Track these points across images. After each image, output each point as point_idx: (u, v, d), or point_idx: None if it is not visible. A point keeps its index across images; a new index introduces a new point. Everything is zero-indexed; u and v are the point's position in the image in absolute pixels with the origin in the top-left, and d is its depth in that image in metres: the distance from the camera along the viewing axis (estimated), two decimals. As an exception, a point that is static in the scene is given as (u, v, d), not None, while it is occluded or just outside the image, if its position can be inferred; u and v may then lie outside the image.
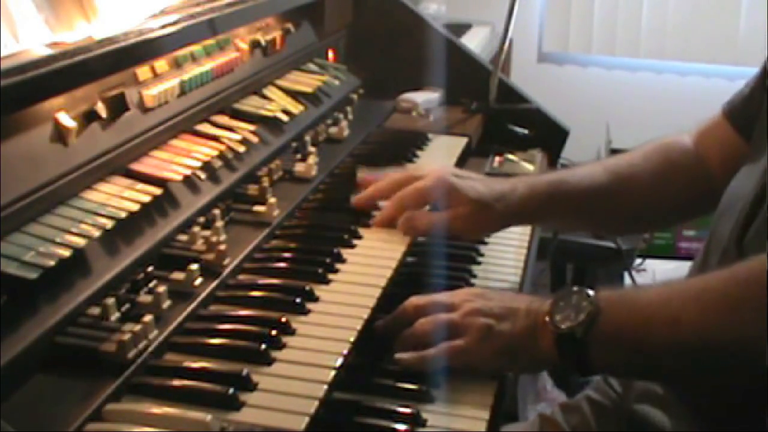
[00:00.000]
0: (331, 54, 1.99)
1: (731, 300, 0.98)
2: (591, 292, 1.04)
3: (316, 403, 0.91)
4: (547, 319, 1.04)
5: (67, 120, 1.08)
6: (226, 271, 1.14)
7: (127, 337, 0.93)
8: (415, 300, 1.13)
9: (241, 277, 1.16)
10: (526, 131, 1.96)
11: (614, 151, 3.25)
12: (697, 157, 1.39)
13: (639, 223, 1.51)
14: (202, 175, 1.28)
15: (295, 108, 1.63)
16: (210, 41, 1.45)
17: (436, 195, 1.31)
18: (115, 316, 0.98)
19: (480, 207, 1.29)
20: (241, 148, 1.39)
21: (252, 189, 1.36)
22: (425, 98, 1.98)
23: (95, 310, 0.98)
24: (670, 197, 1.40)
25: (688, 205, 1.42)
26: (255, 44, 1.60)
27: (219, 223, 1.22)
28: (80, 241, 0.99)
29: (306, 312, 1.09)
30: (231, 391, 0.90)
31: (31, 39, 1.07)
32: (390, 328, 1.12)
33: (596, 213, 1.40)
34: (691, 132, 1.43)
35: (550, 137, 1.95)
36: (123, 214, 1.08)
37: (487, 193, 1.30)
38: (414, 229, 1.31)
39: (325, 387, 0.94)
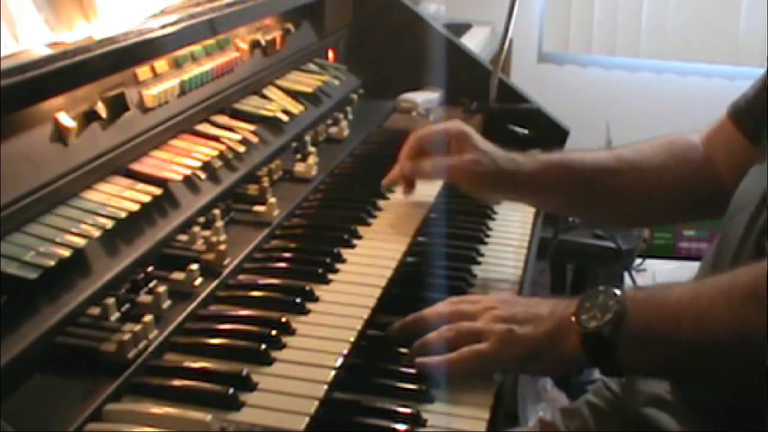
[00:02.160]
0: (331, 54, 1.99)
1: (759, 295, 0.96)
2: (618, 292, 1.03)
3: (316, 403, 0.91)
4: (573, 319, 1.03)
5: (67, 120, 1.08)
6: (226, 271, 1.14)
7: (127, 337, 0.93)
8: (440, 307, 1.12)
9: (241, 277, 1.16)
10: (526, 131, 1.96)
11: (614, 151, 3.24)
12: (706, 157, 1.38)
13: (641, 214, 1.47)
14: (202, 175, 1.28)
15: (295, 108, 1.63)
16: (210, 41, 1.45)
17: (452, 132, 1.37)
18: (115, 316, 0.98)
19: (488, 160, 1.33)
20: (241, 148, 1.39)
21: (252, 189, 1.36)
22: (425, 98, 1.98)
23: (95, 310, 0.98)
24: (676, 191, 1.38)
25: (693, 202, 1.40)
26: (255, 44, 1.60)
27: (219, 223, 1.22)
28: (80, 241, 0.99)
29: (306, 312, 1.09)
30: (231, 391, 0.90)
31: (31, 39, 1.07)
32: (407, 333, 1.10)
33: (595, 193, 1.39)
34: (699, 133, 1.41)
35: (550, 137, 1.95)
36: (123, 214, 1.08)
37: (493, 149, 1.34)
38: (420, 171, 1.37)
39: (325, 387, 0.94)
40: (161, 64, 1.31)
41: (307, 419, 0.89)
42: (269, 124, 1.53)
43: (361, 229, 1.32)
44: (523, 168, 1.34)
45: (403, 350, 1.08)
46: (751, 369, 1.01)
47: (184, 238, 1.18)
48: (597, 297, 1.03)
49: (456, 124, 1.41)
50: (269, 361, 0.98)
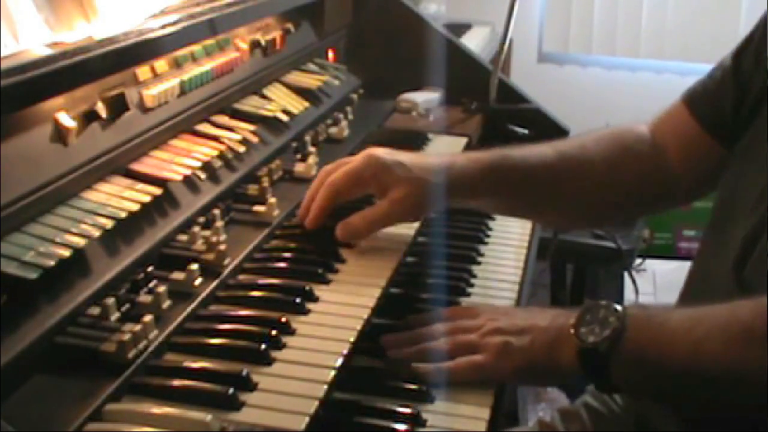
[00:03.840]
0: (331, 54, 1.99)
1: (758, 334, 0.94)
2: (619, 307, 1.01)
3: (316, 403, 0.91)
4: (572, 331, 1.02)
5: (67, 120, 1.08)
6: (226, 271, 1.14)
7: (127, 337, 0.93)
8: (439, 326, 1.11)
9: (241, 277, 1.16)
10: (526, 131, 1.96)
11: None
12: (654, 145, 1.34)
13: (586, 213, 1.40)
14: (202, 175, 1.28)
15: (296, 107, 1.63)
16: (210, 41, 1.45)
17: (365, 176, 1.24)
18: (115, 316, 0.98)
19: (417, 185, 1.22)
20: (241, 148, 1.39)
21: (252, 189, 1.36)
22: (425, 98, 1.98)
23: (95, 310, 0.98)
24: (623, 185, 1.33)
25: (642, 195, 1.35)
26: (255, 44, 1.60)
27: (219, 223, 1.22)
28: (80, 241, 0.99)
29: (306, 312, 1.09)
30: (231, 391, 0.90)
31: (31, 39, 1.07)
32: (401, 345, 1.10)
33: (541, 194, 1.32)
34: (647, 121, 1.38)
35: (550, 137, 1.93)
36: (123, 214, 1.08)
37: (420, 169, 1.23)
38: (353, 232, 1.24)
39: (325, 387, 0.94)
40: (161, 64, 1.31)
41: (307, 419, 0.88)
42: (269, 124, 1.53)
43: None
44: (452, 174, 1.25)
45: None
46: (744, 405, 1.00)
47: (184, 238, 1.18)
48: (598, 311, 1.02)
49: (363, 161, 1.25)
50: (269, 361, 0.98)
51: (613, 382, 1.01)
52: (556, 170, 1.30)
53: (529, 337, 1.05)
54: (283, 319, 1.05)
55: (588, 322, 1.02)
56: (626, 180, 1.33)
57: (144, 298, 1.02)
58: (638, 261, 3.24)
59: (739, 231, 1.12)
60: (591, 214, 1.41)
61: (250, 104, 1.54)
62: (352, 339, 1.03)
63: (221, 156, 1.34)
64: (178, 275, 1.08)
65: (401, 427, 0.95)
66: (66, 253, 0.96)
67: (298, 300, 1.09)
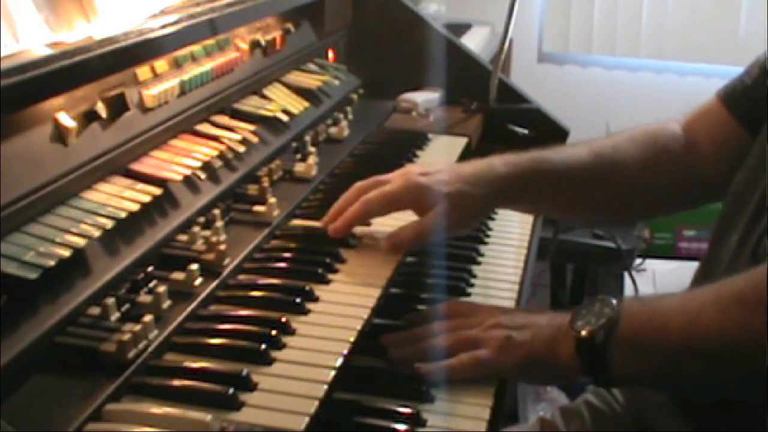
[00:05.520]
0: (331, 54, 1.99)
1: (749, 299, 0.95)
2: (614, 300, 1.02)
3: (316, 403, 0.91)
4: (569, 325, 1.03)
5: (67, 120, 1.08)
6: (226, 271, 1.14)
7: (127, 337, 0.93)
8: (439, 324, 1.11)
9: (241, 277, 1.16)
10: (526, 131, 1.96)
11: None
12: (687, 143, 1.35)
13: (623, 210, 1.43)
14: (202, 175, 1.28)
15: (296, 107, 1.63)
16: (210, 41, 1.45)
17: (404, 200, 1.24)
18: (115, 316, 0.98)
19: (457, 198, 1.22)
20: (241, 148, 1.39)
21: (252, 189, 1.36)
22: (425, 98, 1.98)
23: (95, 310, 0.98)
24: (658, 183, 1.35)
25: (676, 193, 1.37)
26: (255, 44, 1.60)
27: (219, 223, 1.22)
28: (80, 241, 0.99)
29: (306, 312, 1.09)
30: (231, 391, 0.90)
31: (31, 39, 1.07)
32: (401, 343, 1.10)
33: (578, 195, 1.34)
34: (678, 119, 1.39)
35: (550, 137, 1.95)
36: (123, 214, 1.08)
37: (459, 182, 1.23)
38: (399, 245, 1.24)
39: (325, 387, 0.94)
40: (161, 64, 1.31)
41: (307, 419, 0.88)
42: (269, 124, 1.53)
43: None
44: (491, 181, 1.25)
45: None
46: (745, 376, 0.99)
47: (184, 238, 1.18)
48: (594, 304, 1.03)
49: (404, 181, 1.25)
50: (269, 361, 0.98)
51: (612, 374, 1.01)
52: (592, 172, 1.32)
53: (530, 332, 1.05)
54: (283, 319, 1.05)
55: (583, 315, 1.03)
56: (661, 179, 1.34)
57: (144, 298, 1.02)
58: (638, 261, 3.24)
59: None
60: (626, 212, 1.44)
61: (250, 104, 1.54)
62: (352, 339, 1.03)
63: (221, 156, 1.34)
64: (178, 275, 1.08)
65: (401, 427, 0.95)
66: (66, 253, 0.96)
67: (298, 300, 1.09)
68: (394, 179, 1.27)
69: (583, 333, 1.01)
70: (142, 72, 1.26)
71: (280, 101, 1.61)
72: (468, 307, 1.17)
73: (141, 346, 0.95)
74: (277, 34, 1.68)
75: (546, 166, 1.29)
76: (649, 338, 1.00)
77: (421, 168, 1.29)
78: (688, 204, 1.40)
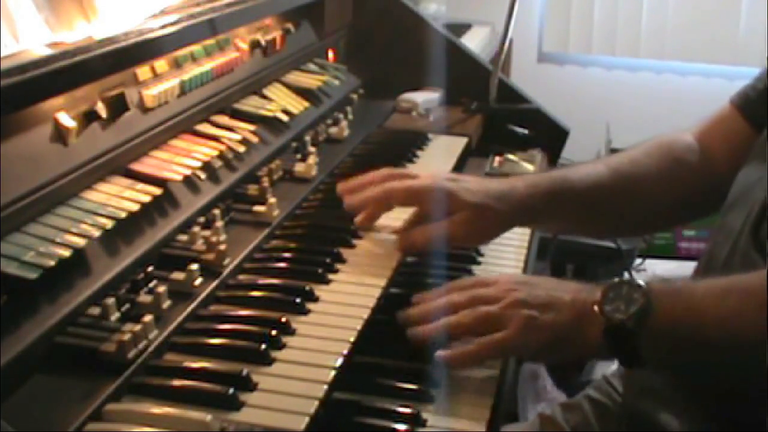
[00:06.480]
0: (331, 54, 1.99)
1: None
2: (641, 283, 1.03)
3: (316, 403, 0.91)
4: (596, 309, 1.03)
5: (67, 120, 1.08)
6: (226, 271, 1.14)
7: (127, 337, 0.93)
8: (455, 296, 1.09)
9: (241, 277, 1.16)
10: (526, 131, 1.96)
11: (614, 151, 3.24)
12: (702, 153, 1.37)
13: (642, 224, 1.46)
14: (202, 175, 1.28)
15: (296, 107, 1.63)
16: (210, 41, 1.45)
17: (428, 199, 1.24)
18: (115, 316, 0.98)
19: (480, 210, 1.23)
20: (241, 148, 1.39)
21: (252, 189, 1.36)
22: (425, 98, 1.98)
23: (95, 310, 0.98)
24: (675, 196, 1.37)
25: (693, 203, 1.39)
26: (255, 44, 1.60)
27: (219, 223, 1.22)
28: (80, 241, 0.99)
29: (306, 312, 1.09)
30: (231, 391, 0.90)
31: (31, 39, 1.07)
32: (415, 321, 1.09)
33: (600, 213, 1.36)
34: (691, 129, 1.40)
35: (550, 137, 1.95)
36: (123, 214, 1.08)
37: (485, 195, 1.24)
38: (412, 245, 1.24)
39: (325, 387, 0.94)
40: (161, 64, 1.31)
41: (307, 419, 0.88)
42: (269, 124, 1.53)
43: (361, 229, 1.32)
44: (514, 201, 1.26)
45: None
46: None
47: (184, 238, 1.18)
48: (621, 288, 1.03)
49: (428, 186, 1.25)
50: (269, 361, 0.98)
51: (640, 358, 1.02)
52: (611, 188, 1.33)
53: (554, 311, 1.04)
54: (283, 319, 1.05)
55: (612, 299, 1.02)
56: (679, 191, 1.36)
57: (144, 298, 1.02)
58: (638, 261, 3.25)
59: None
60: (646, 225, 1.48)
61: (250, 104, 1.54)
62: (352, 339, 1.04)
63: (221, 156, 1.34)
64: (178, 275, 1.08)
65: (401, 427, 0.95)
66: (66, 253, 0.96)
67: (298, 300, 1.09)
68: (422, 177, 1.27)
69: (614, 319, 1.01)
70: (142, 72, 1.26)
71: (280, 101, 1.61)
72: (484, 281, 1.14)
73: (141, 346, 0.95)
74: (277, 34, 1.69)
75: (566, 186, 1.30)
76: (686, 330, 1.01)
77: (449, 174, 1.31)
78: (705, 212, 1.41)
